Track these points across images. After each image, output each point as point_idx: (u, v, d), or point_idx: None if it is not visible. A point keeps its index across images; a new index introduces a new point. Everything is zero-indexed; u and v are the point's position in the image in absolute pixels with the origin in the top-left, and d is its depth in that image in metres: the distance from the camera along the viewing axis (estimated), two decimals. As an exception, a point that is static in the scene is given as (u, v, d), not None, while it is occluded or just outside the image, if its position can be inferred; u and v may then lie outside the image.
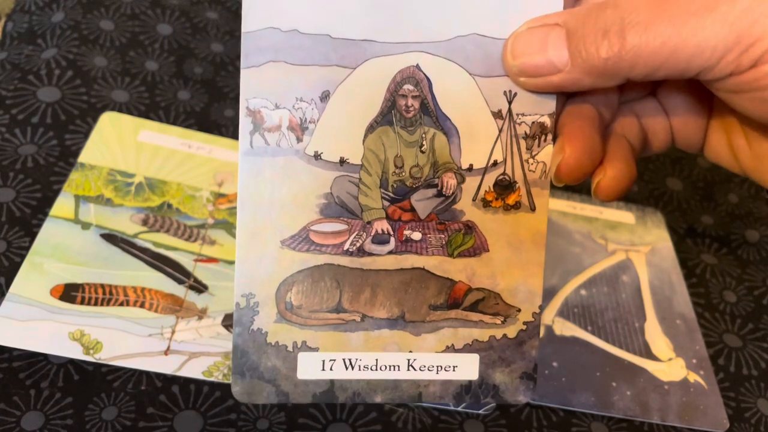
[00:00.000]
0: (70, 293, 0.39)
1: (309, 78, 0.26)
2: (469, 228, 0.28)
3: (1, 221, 0.41)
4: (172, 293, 0.40)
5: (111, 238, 0.42)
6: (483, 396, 0.29)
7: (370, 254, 0.27)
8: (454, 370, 0.29)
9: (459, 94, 0.27)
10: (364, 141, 0.27)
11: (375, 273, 0.28)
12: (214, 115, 0.51)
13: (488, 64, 0.26)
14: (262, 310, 0.27)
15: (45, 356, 0.37)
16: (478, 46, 0.26)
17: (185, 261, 0.42)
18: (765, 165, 0.28)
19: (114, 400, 0.36)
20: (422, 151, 0.27)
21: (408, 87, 0.26)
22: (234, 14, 0.58)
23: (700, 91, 0.29)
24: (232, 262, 0.42)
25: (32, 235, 0.41)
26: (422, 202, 0.28)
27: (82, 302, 0.39)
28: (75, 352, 0.36)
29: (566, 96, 0.28)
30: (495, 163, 0.27)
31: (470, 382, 0.29)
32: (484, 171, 0.27)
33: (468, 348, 0.28)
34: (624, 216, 0.53)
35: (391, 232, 0.28)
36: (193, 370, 0.37)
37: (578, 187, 0.53)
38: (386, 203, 0.27)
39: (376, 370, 0.28)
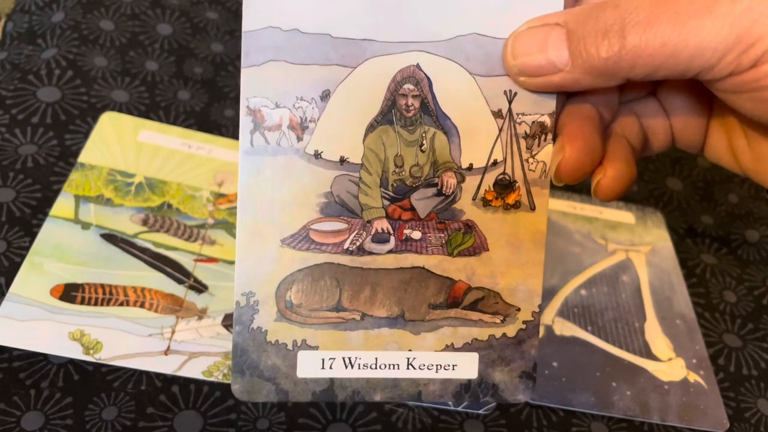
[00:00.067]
0: (70, 293, 0.39)
1: (309, 77, 0.26)
2: (469, 227, 0.28)
3: (1, 221, 0.41)
4: (172, 293, 0.40)
5: (111, 238, 0.42)
6: (482, 395, 0.29)
7: (370, 253, 0.28)
8: (453, 369, 0.28)
9: (459, 93, 0.27)
10: (364, 140, 0.27)
11: (375, 272, 0.28)
12: (214, 115, 0.51)
13: (488, 63, 0.26)
14: (262, 308, 0.27)
15: (45, 356, 0.37)
16: (478, 46, 0.26)
17: (185, 261, 0.42)
18: (765, 165, 0.28)
19: (114, 400, 0.36)
20: (422, 151, 0.27)
21: (408, 86, 0.26)
22: (234, 14, 0.58)
23: (701, 92, 0.29)
24: (232, 262, 0.42)
25: (32, 235, 0.41)
26: (422, 202, 0.28)
27: (82, 302, 0.39)
28: (75, 352, 0.36)
29: (566, 96, 0.28)
30: (495, 163, 0.27)
31: (470, 381, 0.29)
32: (484, 170, 0.27)
33: (467, 347, 0.28)
34: (624, 216, 0.53)
35: (391, 231, 0.28)
36: (193, 370, 0.37)
37: (578, 187, 0.53)
38: (386, 202, 0.27)
39: (376, 368, 0.28)
